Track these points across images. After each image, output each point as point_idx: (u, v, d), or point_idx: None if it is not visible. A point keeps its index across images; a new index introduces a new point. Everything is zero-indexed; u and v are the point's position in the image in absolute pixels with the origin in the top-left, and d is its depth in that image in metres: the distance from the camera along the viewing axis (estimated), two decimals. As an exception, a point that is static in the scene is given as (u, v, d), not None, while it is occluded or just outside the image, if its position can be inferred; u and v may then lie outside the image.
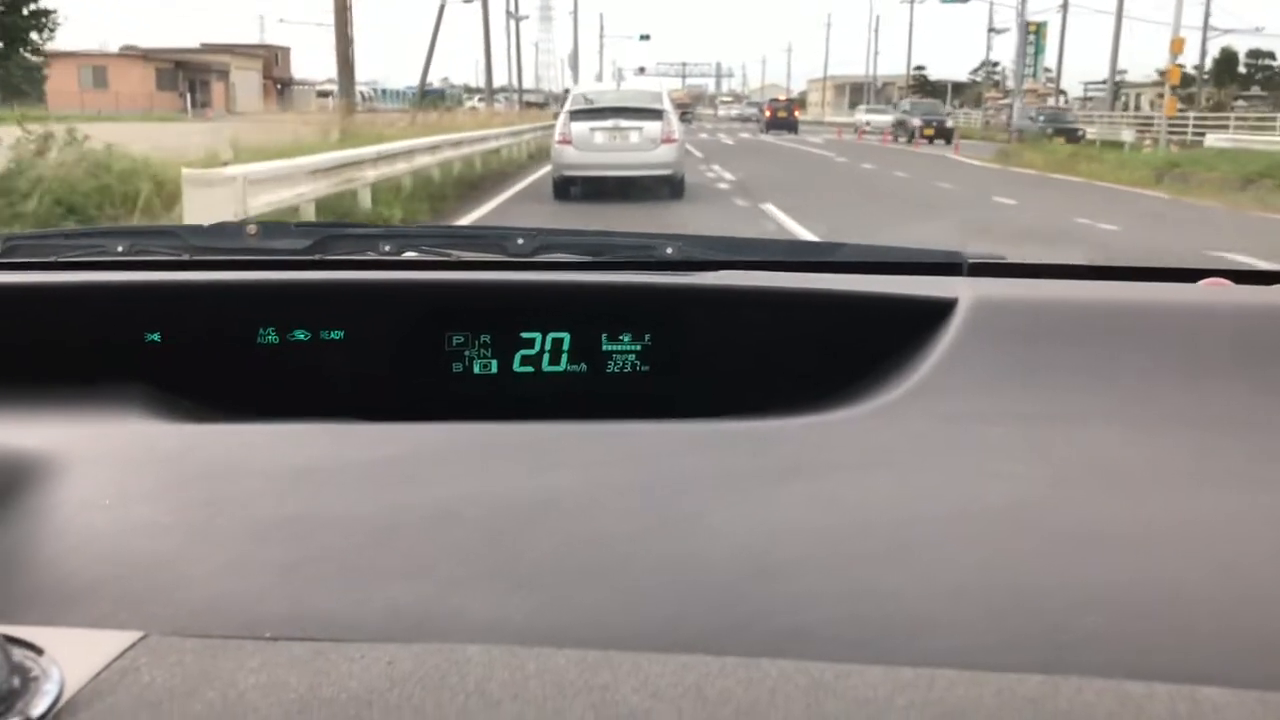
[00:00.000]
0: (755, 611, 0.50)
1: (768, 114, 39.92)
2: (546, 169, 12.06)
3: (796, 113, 41.52)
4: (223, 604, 0.50)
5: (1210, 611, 0.50)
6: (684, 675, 0.42)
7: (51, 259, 1.03)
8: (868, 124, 40.54)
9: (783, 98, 47.20)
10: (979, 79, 55.00)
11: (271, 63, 47.98)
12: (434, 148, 11.62)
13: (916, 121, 30.87)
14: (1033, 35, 37.99)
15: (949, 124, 31.89)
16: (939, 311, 0.85)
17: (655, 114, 10.49)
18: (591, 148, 10.29)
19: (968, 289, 0.88)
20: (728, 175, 14.94)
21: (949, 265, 1.06)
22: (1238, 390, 0.75)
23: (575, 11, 46.80)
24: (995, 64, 55.80)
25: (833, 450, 0.69)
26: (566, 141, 10.32)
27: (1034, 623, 0.49)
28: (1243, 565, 0.55)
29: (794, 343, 0.94)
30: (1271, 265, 1.08)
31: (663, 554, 0.55)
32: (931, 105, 36.73)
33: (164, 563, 0.54)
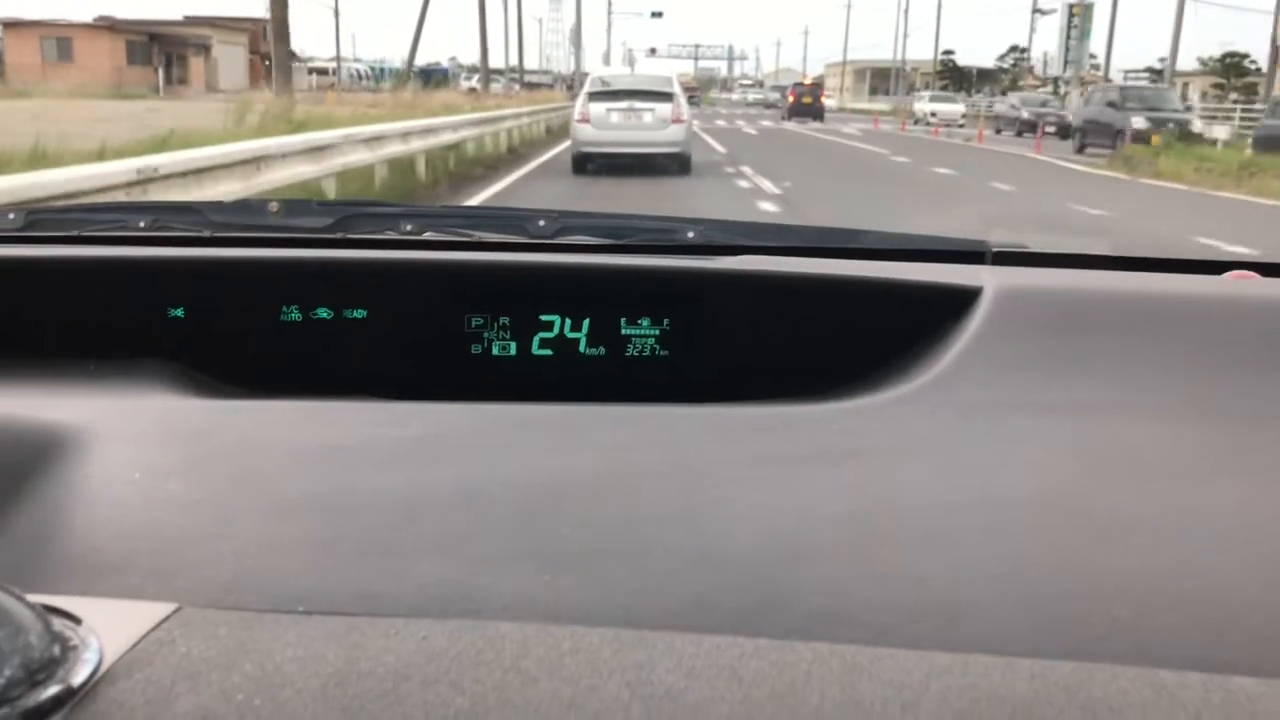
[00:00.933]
0: (786, 594, 0.53)
1: (790, 99, 38.18)
2: (517, 176, 12.41)
3: (823, 99, 39.31)
4: (254, 579, 0.53)
5: (1242, 601, 0.53)
6: (718, 656, 0.44)
7: (75, 233, 1.10)
8: (933, 114, 38.38)
9: (807, 81, 44.01)
10: (1006, 65, 54.33)
11: (259, 37, 48.05)
12: (376, 138, 9.66)
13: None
14: (1077, 19, 37.54)
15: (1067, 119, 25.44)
16: (964, 299, 0.90)
17: (666, 96, 12.45)
18: (608, 126, 12.30)
19: (992, 277, 0.94)
20: (768, 186, 11.85)
21: (973, 254, 1.12)
22: (1265, 383, 0.80)
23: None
24: (1024, 50, 55.18)
25: (859, 436, 0.73)
26: (585, 120, 12.36)
27: (1065, 610, 0.52)
28: (1273, 556, 0.59)
29: (816, 329, 0.99)
30: None
31: (691, 536, 0.59)
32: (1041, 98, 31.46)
33: (195, 537, 0.57)
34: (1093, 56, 42.31)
